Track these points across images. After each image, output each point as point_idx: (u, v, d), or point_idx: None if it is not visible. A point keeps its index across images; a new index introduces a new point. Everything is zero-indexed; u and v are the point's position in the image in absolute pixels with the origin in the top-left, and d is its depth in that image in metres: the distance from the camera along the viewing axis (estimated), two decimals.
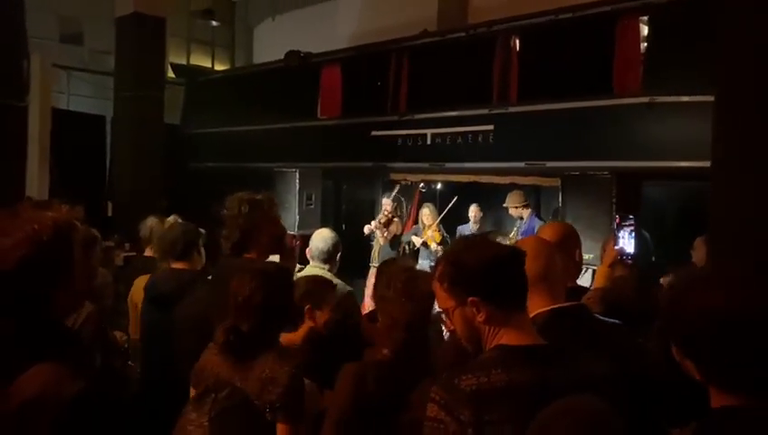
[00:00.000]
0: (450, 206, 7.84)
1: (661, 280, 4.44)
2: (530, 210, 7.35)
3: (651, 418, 1.88)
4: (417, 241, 7.88)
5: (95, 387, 1.37)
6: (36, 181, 7.36)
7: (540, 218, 7.49)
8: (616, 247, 2.83)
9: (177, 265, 3.52)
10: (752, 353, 1.24)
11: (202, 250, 3.66)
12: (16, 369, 1.32)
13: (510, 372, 1.51)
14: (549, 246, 2.00)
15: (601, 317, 2.09)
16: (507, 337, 1.59)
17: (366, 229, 7.83)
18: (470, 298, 1.60)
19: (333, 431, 2.09)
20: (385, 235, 7.72)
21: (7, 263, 1.37)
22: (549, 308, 1.88)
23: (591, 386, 1.47)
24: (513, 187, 7.38)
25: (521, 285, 1.64)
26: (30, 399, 1.28)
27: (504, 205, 7.44)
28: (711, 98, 4.24)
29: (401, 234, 7.99)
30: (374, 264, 7.62)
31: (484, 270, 1.60)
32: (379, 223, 7.74)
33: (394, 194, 8.05)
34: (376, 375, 2.14)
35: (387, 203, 7.81)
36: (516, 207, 7.30)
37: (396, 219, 7.85)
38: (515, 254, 1.65)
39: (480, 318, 1.60)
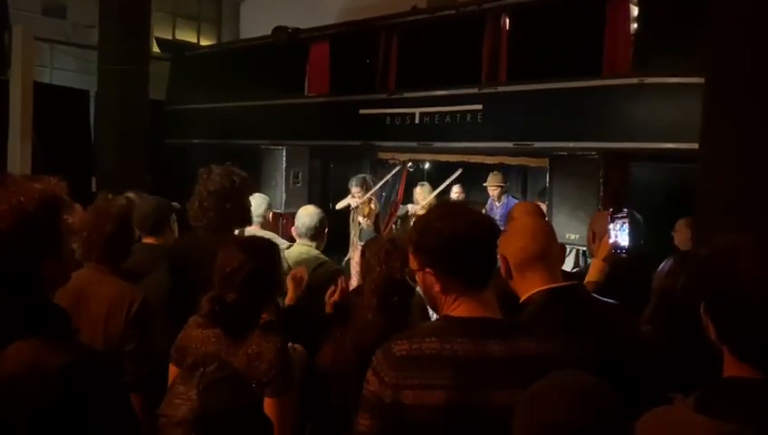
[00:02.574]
0: (451, 180, 7.79)
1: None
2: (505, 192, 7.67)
3: (649, 389, 1.87)
4: (411, 208, 7.85)
5: (85, 362, 1.34)
6: (18, 156, 7.23)
7: (515, 198, 7.67)
8: (610, 241, 2.79)
9: (147, 240, 3.47)
10: None
11: (174, 226, 3.62)
12: (1, 343, 1.29)
13: (444, 341, 1.53)
14: (548, 225, 2.00)
15: (598, 297, 2.09)
16: (459, 309, 1.60)
17: (353, 244, 7.62)
18: (426, 269, 1.63)
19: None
20: (369, 221, 7.64)
21: None
22: (547, 287, 1.88)
23: (542, 362, 1.46)
24: (501, 167, 7.41)
25: (480, 265, 1.63)
26: (11, 375, 1.26)
27: (485, 184, 7.51)
28: (701, 79, 4.23)
29: (379, 213, 7.91)
30: (359, 242, 7.58)
31: (440, 247, 1.60)
32: (364, 216, 7.61)
33: (358, 177, 7.90)
34: (354, 338, 2.24)
35: (356, 191, 7.64)
36: (496, 187, 7.41)
37: (372, 197, 7.75)
38: (484, 232, 1.63)
39: (436, 288, 1.63)
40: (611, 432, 1.20)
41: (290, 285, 2.72)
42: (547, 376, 1.29)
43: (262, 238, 2.53)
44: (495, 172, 7.60)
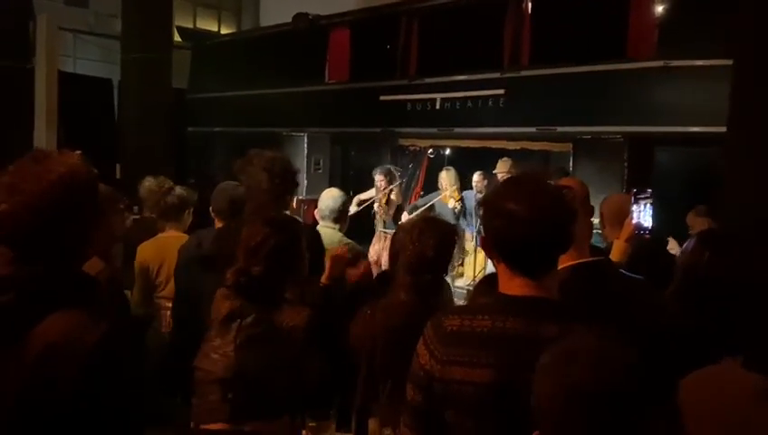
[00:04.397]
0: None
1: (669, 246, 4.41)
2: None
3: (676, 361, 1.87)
4: (405, 216, 7.76)
5: (118, 333, 1.36)
6: (44, 144, 7.32)
7: None
8: (633, 222, 2.76)
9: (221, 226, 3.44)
10: None
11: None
12: (40, 314, 1.32)
13: (496, 320, 1.51)
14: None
15: (625, 272, 2.08)
16: (515, 288, 1.55)
17: (353, 207, 7.47)
18: (488, 246, 1.58)
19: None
20: (389, 212, 7.56)
21: (38, 208, 1.36)
22: (575, 262, 1.87)
23: None
24: (523, 152, 7.33)
25: (540, 253, 1.52)
26: (52, 344, 1.28)
27: (494, 171, 7.41)
28: (726, 62, 4.17)
29: (403, 202, 7.81)
30: (381, 229, 7.56)
31: (499, 229, 1.53)
32: (381, 204, 7.52)
33: (383, 167, 7.80)
34: (384, 316, 2.25)
35: (380, 179, 7.47)
36: (505, 174, 7.28)
37: (394, 189, 7.67)
38: (551, 216, 1.50)
39: (498, 263, 1.59)
40: (638, 394, 1.19)
41: (328, 262, 2.71)
42: (571, 340, 1.27)
43: (285, 215, 2.54)
44: (505, 159, 7.43)
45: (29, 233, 1.35)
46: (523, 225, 1.47)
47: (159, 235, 3.97)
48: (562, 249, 1.55)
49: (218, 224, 3.44)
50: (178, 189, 3.97)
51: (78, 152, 1.52)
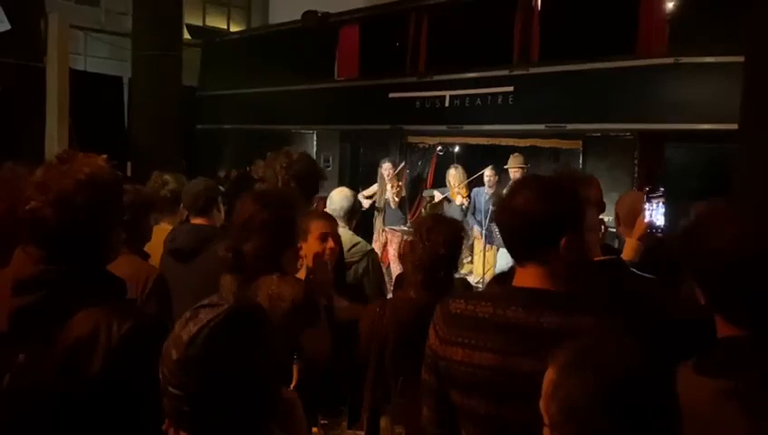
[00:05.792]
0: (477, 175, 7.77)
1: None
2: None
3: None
4: (438, 195, 7.84)
5: (145, 329, 1.39)
6: (56, 142, 7.37)
7: None
8: (646, 220, 2.76)
9: (196, 221, 3.51)
10: (756, 291, 1.33)
11: (221, 207, 3.66)
12: (68, 312, 1.36)
13: (498, 307, 1.56)
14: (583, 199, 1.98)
15: (637, 271, 2.09)
16: (521, 279, 1.60)
17: (365, 200, 7.56)
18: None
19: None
20: (395, 198, 7.62)
21: (64, 206, 1.39)
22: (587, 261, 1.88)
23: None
24: (533, 150, 7.33)
25: (544, 243, 1.56)
26: (78, 339, 1.31)
27: (505, 166, 7.42)
28: (737, 58, 4.15)
29: (405, 197, 7.87)
30: (383, 226, 7.61)
31: (505, 223, 1.60)
32: (394, 185, 7.59)
33: (392, 158, 7.90)
34: (392, 314, 2.27)
35: (388, 168, 7.61)
36: (517, 169, 7.29)
37: (400, 182, 7.74)
38: (552, 209, 1.55)
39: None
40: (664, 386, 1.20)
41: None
42: (586, 337, 1.28)
43: (276, 190, 2.54)
44: (516, 154, 7.46)
45: (56, 231, 1.39)
46: (512, 213, 1.56)
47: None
48: (552, 234, 1.55)
49: (191, 219, 3.51)
50: (172, 183, 4.00)
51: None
